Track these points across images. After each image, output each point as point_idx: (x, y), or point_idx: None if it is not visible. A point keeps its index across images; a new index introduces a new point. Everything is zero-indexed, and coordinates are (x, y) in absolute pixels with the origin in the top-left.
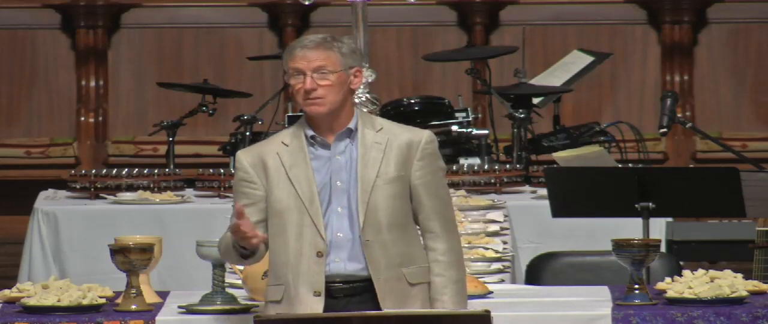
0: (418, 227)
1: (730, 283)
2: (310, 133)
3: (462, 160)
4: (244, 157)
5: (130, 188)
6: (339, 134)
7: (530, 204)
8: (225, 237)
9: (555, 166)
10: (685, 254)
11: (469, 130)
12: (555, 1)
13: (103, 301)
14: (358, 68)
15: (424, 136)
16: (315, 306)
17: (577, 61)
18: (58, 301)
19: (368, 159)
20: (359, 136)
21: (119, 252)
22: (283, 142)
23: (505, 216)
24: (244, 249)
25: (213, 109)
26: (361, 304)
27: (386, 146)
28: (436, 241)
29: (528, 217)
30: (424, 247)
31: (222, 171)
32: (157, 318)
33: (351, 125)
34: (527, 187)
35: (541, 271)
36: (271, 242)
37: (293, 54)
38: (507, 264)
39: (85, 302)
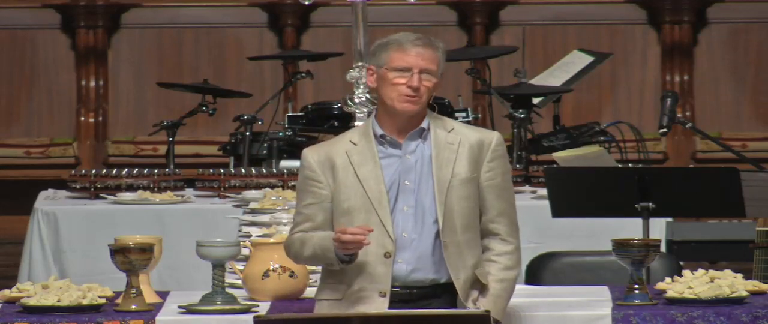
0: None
1: (730, 283)
2: (380, 131)
3: None
4: (311, 155)
5: (130, 188)
6: (411, 134)
7: (530, 204)
8: (309, 243)
9: (555, 166)
10: (685, 254)
11: None
12: (555, 1)
13: (103, 301)
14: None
15: (494, 137)
16: (381, 307)
17: (577, 61)
18: (58, 301)
19: (442, 160)
20: (432, 136)
21: (119, 252)
22: (351, 141)
23: None
24: (347, 256)
25: (213, 109)
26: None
27: (458, 147)
28: (499, 243)
29: (528, 217)
30: (484, 247)
31: (222, 171)
32: (157, 318)
33: (424, 125)
34: (527, 187)
35: (541, 271)
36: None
37: (405, 49)
38: None
39: (85, 302)
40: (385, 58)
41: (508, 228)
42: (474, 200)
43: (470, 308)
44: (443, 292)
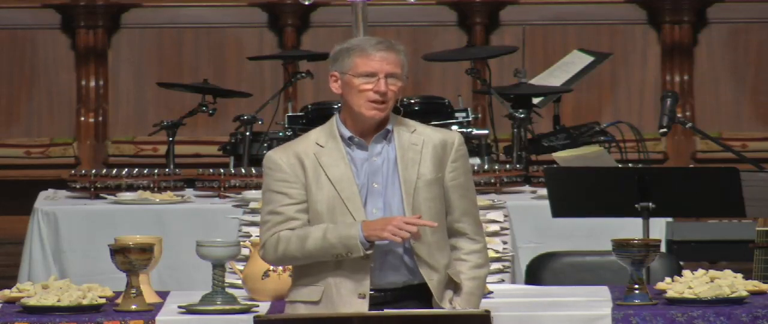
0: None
1: (730, 283)
2: (348, 133)
3: None
4: (279, 157)
5: (130, 188)
6: (376, 136)
7: (530, 204)
8: (313, 235)
9: (555, 166)
10: (685, 254)
11: (469, 130)
12: (555, 1)
13: (103, 301)
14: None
15: (456, 137)
16: (360, 309)
17: (577, 61)
18: (58, 301)
19: (407, 161)
20: (396, 137)
21: (119, 252)
22: (317, 143)
23: (505, 216)
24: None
25: (213, 109)
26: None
27: (422, 147)
28: (467, 242)
29: (528, 217)
30: (452, 247)
31: (222, 171)
32: (157, 318)
33: (388, 126)
34: (527, 187)
35: (541, 271)
36: None
37: (368, 54)
38: (507, 264)
39: (85, 302)
40: (349, 64)
41: (474, 227)
42: (440, 201)
43: (447, 308)
44: (417, 293)
